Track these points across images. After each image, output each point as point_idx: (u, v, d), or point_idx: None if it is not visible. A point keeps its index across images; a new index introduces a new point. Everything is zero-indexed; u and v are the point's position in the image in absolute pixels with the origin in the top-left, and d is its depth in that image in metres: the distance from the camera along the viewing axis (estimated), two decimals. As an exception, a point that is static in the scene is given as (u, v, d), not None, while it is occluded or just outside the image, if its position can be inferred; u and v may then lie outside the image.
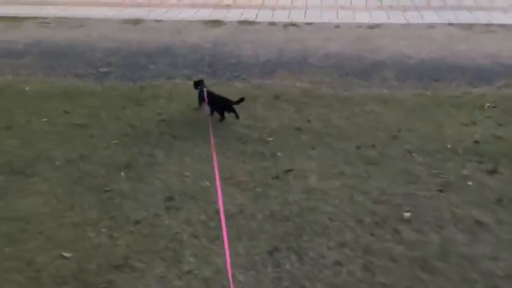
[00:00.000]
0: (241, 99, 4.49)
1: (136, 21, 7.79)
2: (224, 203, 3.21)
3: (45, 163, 3.82)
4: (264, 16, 7.77)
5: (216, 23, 7.60)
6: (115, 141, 4.22)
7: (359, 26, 7.11)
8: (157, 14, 8.12)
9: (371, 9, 7.77)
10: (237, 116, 4.51)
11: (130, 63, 6.23)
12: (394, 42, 6.45)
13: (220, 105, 4.55)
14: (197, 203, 3.20)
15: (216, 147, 4.08)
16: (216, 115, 4.59)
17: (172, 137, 4.28)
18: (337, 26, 7.17)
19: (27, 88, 5.51)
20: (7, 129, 4.50)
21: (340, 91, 5.21)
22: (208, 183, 3.44)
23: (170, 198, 3.33)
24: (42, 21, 7.95)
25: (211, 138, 3.91)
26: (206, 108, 4.67)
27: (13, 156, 3.97)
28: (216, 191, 3.07)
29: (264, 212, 3.13)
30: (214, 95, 4.61)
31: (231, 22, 7.61)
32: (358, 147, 3.93)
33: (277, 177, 3.51)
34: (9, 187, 3.51)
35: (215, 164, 3.40)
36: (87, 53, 6.61)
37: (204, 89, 4.64)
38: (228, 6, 8.33)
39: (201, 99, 4.70)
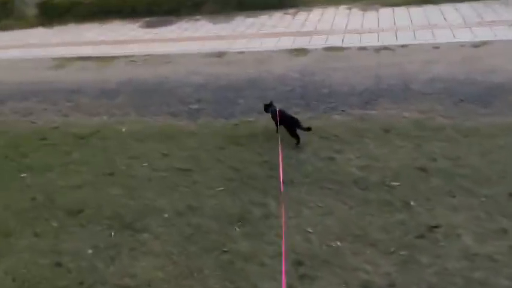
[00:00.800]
0: (309, 129, 4.40)
1: (220, 54, 7.57)
2: (366, 271, 2.65)
3: (153, 216, 3.49)
4: (351, 41, 7.22)
5: (301, 51, 7.16)
6: (221, 188, 3.82)
7: (462, 45, 6.33)
8: (239, 45, 7.86)
9: (471, 25, 6.96)
10: (298, 142, 4.41)
11: (220, 99, 5.92)
12: (510, 61, 5.61)
13: (289, 124, 4.49)
14: (333, 270, 2.67)
15: (333, 193, 3.55)
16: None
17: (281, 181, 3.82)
18: (436, 47, 6.44)
19: (123, 129, 5.36)
20: (110, 175, 4.28)
21: (459, 121, 4.48)
22: (339, 243, 2.90)
23: (299, 263, 2.82)
24: (130, 60, 8.00)
25: (280, 171, 3.53)
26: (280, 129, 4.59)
27: (120, 207, 3.69)
28: (353, 255, 2.53)
29: (420, 286, 2.53)
30: (285, 114, 4.58)
31: (316, 49, 7.13)
32: (511, 195, 3.21)
33: (421, 236, 2.88)
34: (121, 245, 3.19)
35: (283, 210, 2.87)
36: (176, 89, 6.42)
37: (277, 109, 4.61)
38: (310, 33, 7.90)
39: (275, 119, 4.59)
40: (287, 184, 3.76)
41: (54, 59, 8.59)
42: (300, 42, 7.50)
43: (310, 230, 3.09)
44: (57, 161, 4.72)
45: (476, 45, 6.26)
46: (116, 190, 3.97)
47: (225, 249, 3.03)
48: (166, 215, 3.49)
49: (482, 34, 6.55)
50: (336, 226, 3.08)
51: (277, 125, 4.59)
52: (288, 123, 4.49)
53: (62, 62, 8.32)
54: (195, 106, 5.81)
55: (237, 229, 3.20)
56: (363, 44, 7.01)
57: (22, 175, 4.51)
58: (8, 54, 9.35)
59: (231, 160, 4.31)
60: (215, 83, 6.46)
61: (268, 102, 4.83)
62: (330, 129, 4.65)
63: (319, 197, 3.49)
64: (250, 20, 9.25)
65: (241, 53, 7.52)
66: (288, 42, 7.60)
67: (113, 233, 3.34)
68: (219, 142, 4.71)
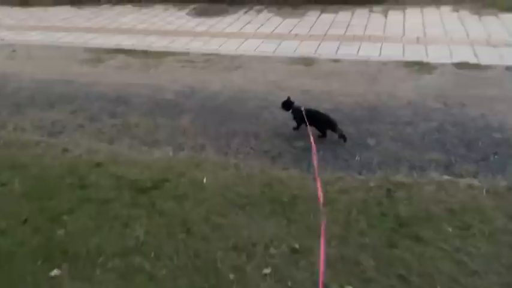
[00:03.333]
0: (343, 137, 3.68)
1: (307, 61, 5.50)
2: None
3: None
4: (488, 56, 5.13)
5: (422, 66, 5.08)
6: None
7: None
8: (327, 50, 5.78)
9: None
10: (343, 137, 3.68)
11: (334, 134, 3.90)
12: None
13: (322, 124, 3.74)
14: None
15: None
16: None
17: None
18: None
19: (204, 179, 3.35)
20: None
21: None
22: None
23: None
24: (185, 59, 5.94)
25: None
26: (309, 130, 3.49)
27: None
28: None
29: None
30: (314, 112, 3.76)
31: (443, 65, 5.06)
32: None
33: None
34: None
35: None
36: (262, 111, 4.36)
37: (302, 108, 3.75)
38: (421, 41, 5.80)
39: (301, 119, 3.74)
40: None
41: (86, 49, 6.54)
42: (414, 53, 5.42)
43: None
44: (108, 244, 2.72)
45: None
46: None
47: None
48: None
49: None
50: None
51: (299, 125, 3.85)
52: (322, 124, 3.72)
53: (98, 55, 6.27)
54: (299, 144, 3.78)
55: None
56: (509, 63, 4.95)
57: (53, 273, 2.52)
58: (26, 37, 7.28)
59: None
60: (316, 106, 4.41)
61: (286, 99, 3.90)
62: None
63: None
64: (327, 17, 7.14)
65: (336, 61, 5.45)
66: (396, 51, 5.52)
67: None
68: (385, 230, 2.70)
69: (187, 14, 7.99)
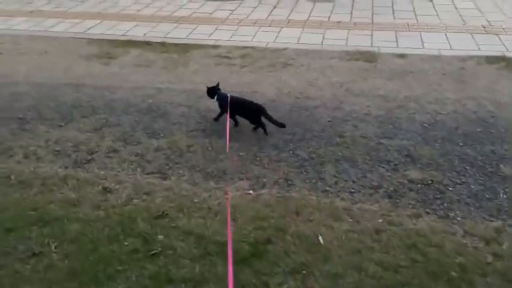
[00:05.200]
0: (282, 125, 3.25)
1: (367, 57, 4.54)
2: None
3: None
4: None
5: (510, 62, 4.29)
6: None
7: None
8: (386, 42, 4.84)
9: None
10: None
11: (454, 162, 3.04)
12: None
13: (249, 113, 3.32)
14: None
15: None
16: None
17: None
18: None
19: (320, 239, 2.41)
20: None
21: None
22: None
23: None
24: (216, 53, 4.83)
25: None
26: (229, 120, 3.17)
27: None
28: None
29: None
30: (241, 100, 3.37)
31: (531, 61, 4.29)
32: None
33: None
34: None
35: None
36: (344, 126, 3.42)
37: (228, 95, 3.33)
38: (488, 30, 4.98)
39: (224, 107, 3.35)
40: None
41: (90, 41, 5.27)
42: (490, 46, 4.61)
43: None
44: None
45: None
46: None
47: None
48: None
49: None
50: None
51: (230, 115, 3.30)
52: (248, 112, 3.31)
53: (106, 48, 5.03)
54: (414, 175, 2.89)
55: None
56: None
57: None
58: (9, 25, 5.87)
59: None
60: (407, 118, 3.53)
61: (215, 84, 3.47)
62: None
63: None
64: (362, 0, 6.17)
65: (402, 56, 4.54)
66: (467, 43, 4.69)
67: None
68: None
69: (198, -5, 6.74)
